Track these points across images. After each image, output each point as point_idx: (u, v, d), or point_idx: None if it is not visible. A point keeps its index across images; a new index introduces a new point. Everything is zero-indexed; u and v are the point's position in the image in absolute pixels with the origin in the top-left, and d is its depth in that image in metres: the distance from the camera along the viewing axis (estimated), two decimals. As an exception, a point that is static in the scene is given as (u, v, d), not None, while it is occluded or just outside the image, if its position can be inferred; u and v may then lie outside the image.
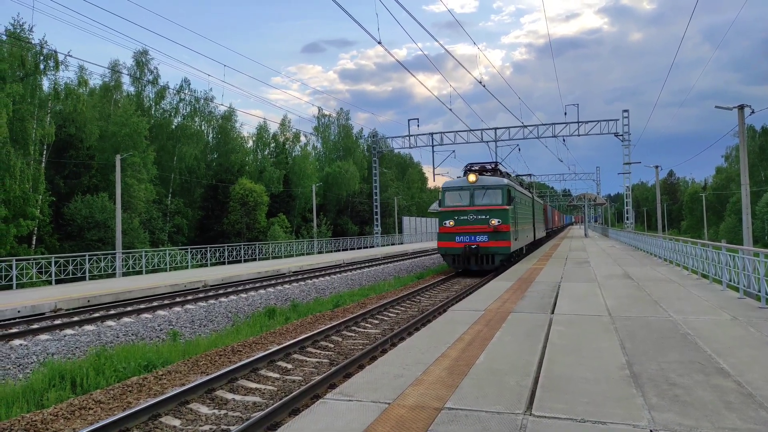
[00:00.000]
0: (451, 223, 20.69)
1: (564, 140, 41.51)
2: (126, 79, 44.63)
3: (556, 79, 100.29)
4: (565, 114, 38.35)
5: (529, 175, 35.25)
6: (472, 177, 20.88)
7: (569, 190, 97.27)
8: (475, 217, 20.42)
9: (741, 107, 19.94)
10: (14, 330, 11.50)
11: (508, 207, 20.36)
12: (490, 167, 23.37)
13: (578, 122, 38.56)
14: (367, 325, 12.32)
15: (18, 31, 30.94)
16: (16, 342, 10.43)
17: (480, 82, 24.65)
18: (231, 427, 6.08)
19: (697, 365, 5.44)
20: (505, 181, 21.34)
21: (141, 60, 44.32)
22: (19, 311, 13.04)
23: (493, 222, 20.03)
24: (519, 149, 36.07)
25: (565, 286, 12.11)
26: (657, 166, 42.22)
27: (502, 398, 4.57)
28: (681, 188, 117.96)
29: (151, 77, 45.69)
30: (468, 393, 4.74)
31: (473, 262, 20.63)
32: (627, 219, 42.38)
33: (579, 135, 38.77)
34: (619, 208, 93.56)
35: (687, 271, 14.78)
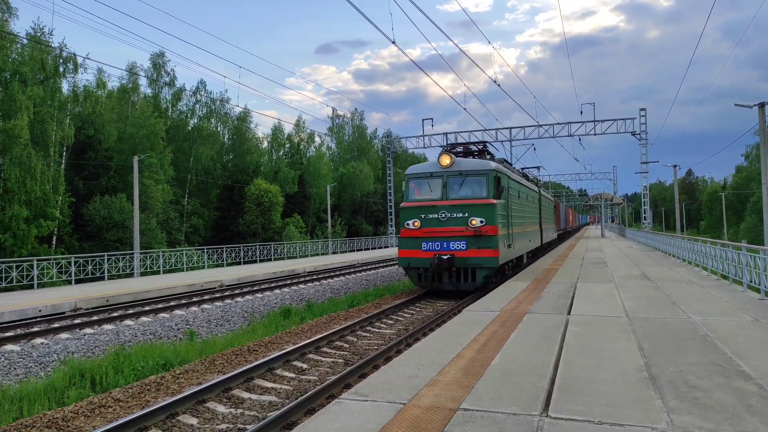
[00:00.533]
0: (416, 223, 15.20)
1: (580, 139, 41.29)
2: (143, 81, 45.26)
3: (572, 77, 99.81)
4: (581, 113, 38.00)
5: (538, 167, 31.10)
6: (445, 159, 15.36)
7: (585, 190, 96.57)
8: (448, 215, 14.93)
9: (762, 105, 19.62)
10: (36, 329, 11.73)
11: (495, 201, 14.92)
12: (476, 149, 18.01)
13: (594, 121, 38.24)
14: (381, 325, 12.33)
15: (38, 34, 31.49)
16: (38, 341, 10.64)
17: (494, 81, 24.51)
18: (247, 426, 6.13)
19: (717, 367, 5.36)
20: (492, 164, 15.58)
21: (157, 62, 44.89)
22: (40, 310, 13.29)
23: (473, 222, 14.60)
24: (534, 149, 35.22)
25: (581, 287, 12.00)
26: (675, 166, 41.71)
27: (518, 399, 4.55)
28: (700, 187, 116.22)
29: (167, 79, 46.24)
30: (483, 394, 4.72)
31: (446, 279, 15.14)
32: (644, 219, 41.90)
33: (595, 134, 38.46)
34: (636, 207, 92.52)
35: (706, 271, 14.56)
